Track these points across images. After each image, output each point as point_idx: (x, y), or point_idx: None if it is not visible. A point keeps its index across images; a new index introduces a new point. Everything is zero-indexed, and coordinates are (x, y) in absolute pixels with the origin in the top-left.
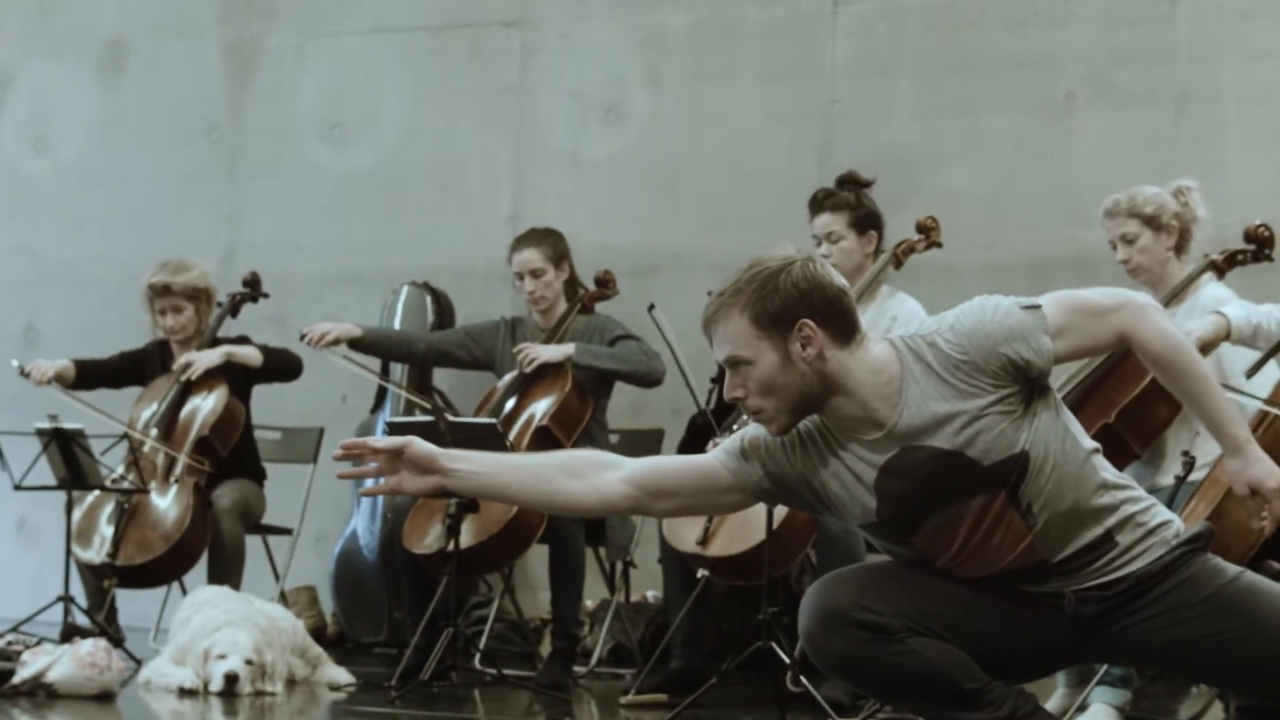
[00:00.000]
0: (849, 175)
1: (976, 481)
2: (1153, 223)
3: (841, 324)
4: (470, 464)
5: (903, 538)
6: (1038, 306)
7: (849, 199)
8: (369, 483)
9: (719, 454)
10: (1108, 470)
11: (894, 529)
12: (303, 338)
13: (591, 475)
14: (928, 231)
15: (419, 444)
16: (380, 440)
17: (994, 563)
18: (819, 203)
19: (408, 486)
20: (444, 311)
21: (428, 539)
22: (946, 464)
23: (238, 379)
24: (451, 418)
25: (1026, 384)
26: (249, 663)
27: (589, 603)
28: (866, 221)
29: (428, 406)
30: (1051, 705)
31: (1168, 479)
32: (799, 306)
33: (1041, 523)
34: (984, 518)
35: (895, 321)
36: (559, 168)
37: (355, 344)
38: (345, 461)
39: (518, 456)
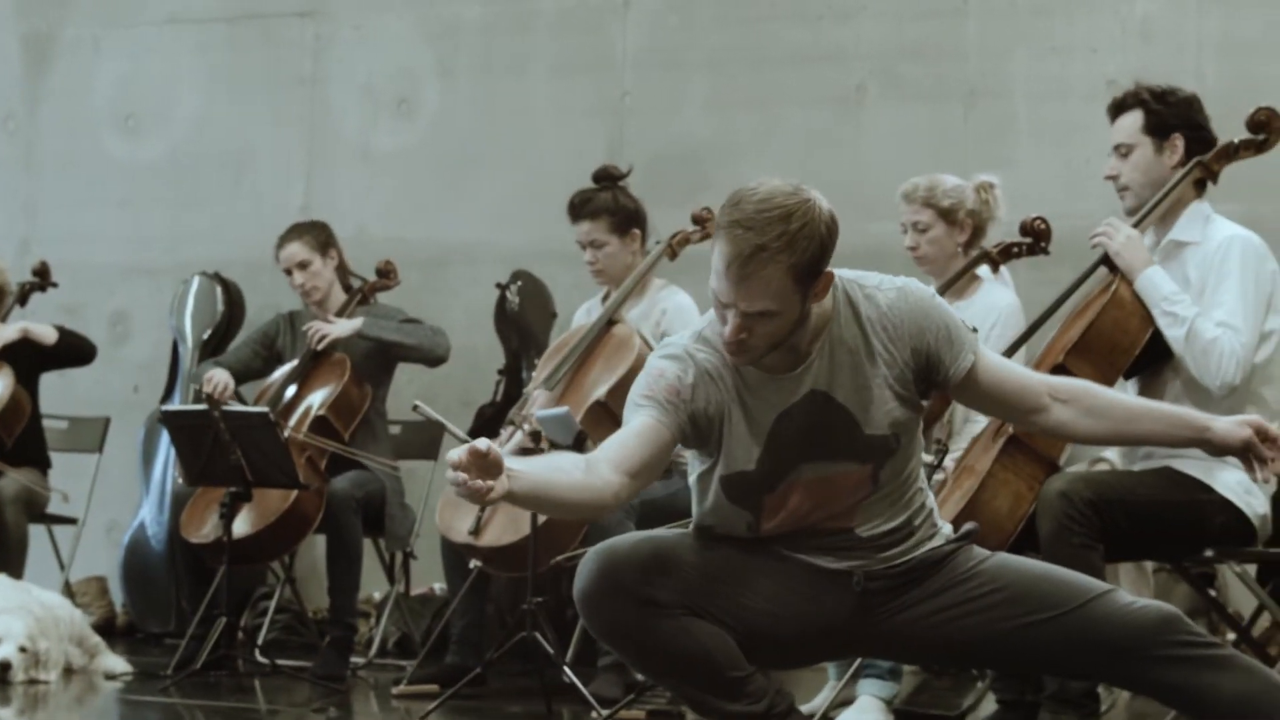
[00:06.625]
0: (603, 170)
1: (853, 447)
2: (947, 216)
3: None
4: (519, 465)
5: (759, 494)
6: (975, 330)
7: (606, 202)
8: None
9: (652, 414)
10: (921, 465)
11: (761, 480)
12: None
13: (598, 473)
14: (703, 223)
15: (496, 446)
16: (484, 442)
17: (811, 519)
18: (576, 209)
19: (489, 497)
20: (234, 302)
21: (204, 528)
22: (834, 416)
23: (25, 366)
24: (226, 406)
25: (924, 382)
26: (23, 650)
27: (375, 594)
28: (627, 221)
29: (204, 395)
30: (820, 699)
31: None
32: (828, 255)
33: (874, 498)
34: (846, 485)
35: (665, 315)
36: (350, 159)
37: None
38: None
39: (540, 459)
